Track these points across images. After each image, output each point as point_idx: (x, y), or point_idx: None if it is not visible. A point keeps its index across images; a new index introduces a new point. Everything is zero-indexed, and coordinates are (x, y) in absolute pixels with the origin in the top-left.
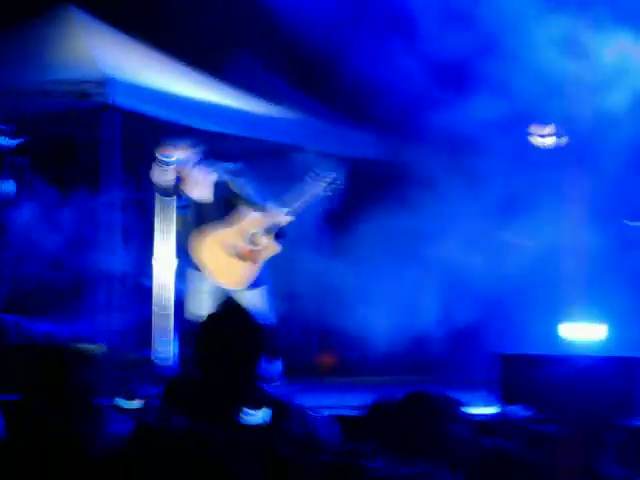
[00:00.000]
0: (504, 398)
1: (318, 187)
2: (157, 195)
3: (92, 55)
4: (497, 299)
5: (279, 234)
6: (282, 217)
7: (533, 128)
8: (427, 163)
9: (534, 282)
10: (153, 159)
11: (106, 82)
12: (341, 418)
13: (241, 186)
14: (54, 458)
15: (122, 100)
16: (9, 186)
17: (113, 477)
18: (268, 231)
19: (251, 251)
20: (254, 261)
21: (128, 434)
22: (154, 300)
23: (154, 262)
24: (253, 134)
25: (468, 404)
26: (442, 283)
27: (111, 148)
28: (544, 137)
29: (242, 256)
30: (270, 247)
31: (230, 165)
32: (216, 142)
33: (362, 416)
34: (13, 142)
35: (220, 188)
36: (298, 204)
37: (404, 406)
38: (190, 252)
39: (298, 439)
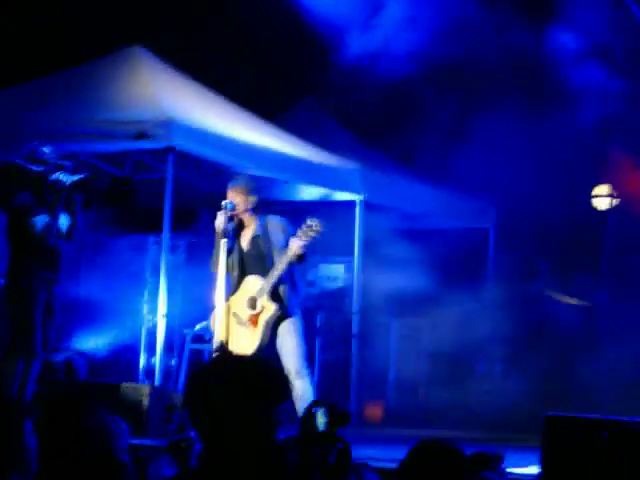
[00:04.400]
0: (545, 459)
1: (302, 240)
2: (217, 238)
3: (154, 96)
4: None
5: (274, 294)
6: (275, 273)
7: None
8: None
9: None
10: (207, 201)
11: (167, 124)
12: (382, 471)
13: (268, 241)
14: None
15: (181, 142)
16: (65, 221)
17: None
18: (266, 292)
19: (251, 315)
20: (255, 325)
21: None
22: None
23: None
24: (309, 182)
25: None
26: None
27: (168, 189)
28: None
29: (245, 322)
30: (267, 308)
31: (276, 218)
32: (271, 189)
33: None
34: (72, 178)
35: (258, 239)
36: (286, 259)
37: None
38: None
39: None
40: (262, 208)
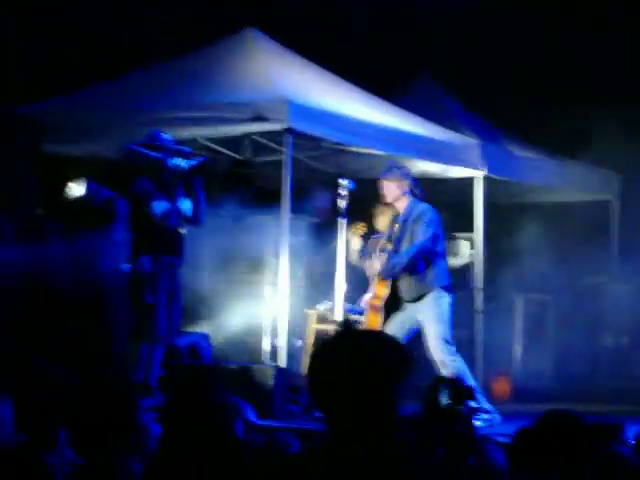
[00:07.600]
0: None
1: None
2: (338, 218)
3: (270, 78)
4: None
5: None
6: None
7: None
8: None
9: None
10: (325, 182)
11: (283, 105)
12: (508, 446)
13: (409, 227)
14: None
15: (298, 123)
16: (187, 205)
17: None
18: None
19: (373, 300)
20: (374, 310)
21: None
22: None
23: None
24: (428, 158)
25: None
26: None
27: (286, 170)
28: None
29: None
30: (379, 293)
31: (423, 206)
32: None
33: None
34: (190, 163)
35: (403, 224)
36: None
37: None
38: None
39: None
40: (416, 193)
